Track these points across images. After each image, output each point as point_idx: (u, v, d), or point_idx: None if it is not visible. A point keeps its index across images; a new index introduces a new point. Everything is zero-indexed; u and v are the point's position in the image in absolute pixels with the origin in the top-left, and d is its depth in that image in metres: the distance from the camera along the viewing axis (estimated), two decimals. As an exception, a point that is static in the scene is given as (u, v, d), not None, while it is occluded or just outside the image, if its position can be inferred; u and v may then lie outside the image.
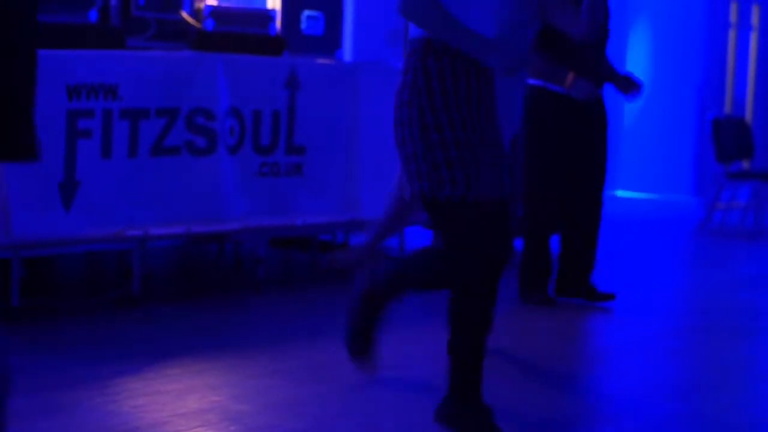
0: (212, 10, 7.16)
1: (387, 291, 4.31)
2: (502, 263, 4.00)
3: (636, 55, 14.03)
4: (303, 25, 7.80)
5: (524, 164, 6.91)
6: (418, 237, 9.15)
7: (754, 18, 14.36)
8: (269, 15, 7.42)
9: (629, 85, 6.69)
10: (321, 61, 7.55)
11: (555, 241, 7.05)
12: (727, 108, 13.59)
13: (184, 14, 7.14)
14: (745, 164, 12.96)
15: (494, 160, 3.99)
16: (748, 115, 13.52)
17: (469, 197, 3.92)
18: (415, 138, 3.97)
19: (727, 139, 11.55)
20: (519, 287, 6.95)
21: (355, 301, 4.38)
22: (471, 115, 3.97)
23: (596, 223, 7.04)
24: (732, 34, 14.02)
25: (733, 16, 14.12)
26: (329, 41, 7.98)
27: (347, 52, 10.13)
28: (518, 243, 6.73)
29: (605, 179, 7.04)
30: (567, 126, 6.85)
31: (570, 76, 6.74)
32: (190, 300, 6.89)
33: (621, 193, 14.03)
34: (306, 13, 7.81)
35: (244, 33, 7.22)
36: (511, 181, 4.10)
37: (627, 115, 13.99)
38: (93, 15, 6.56)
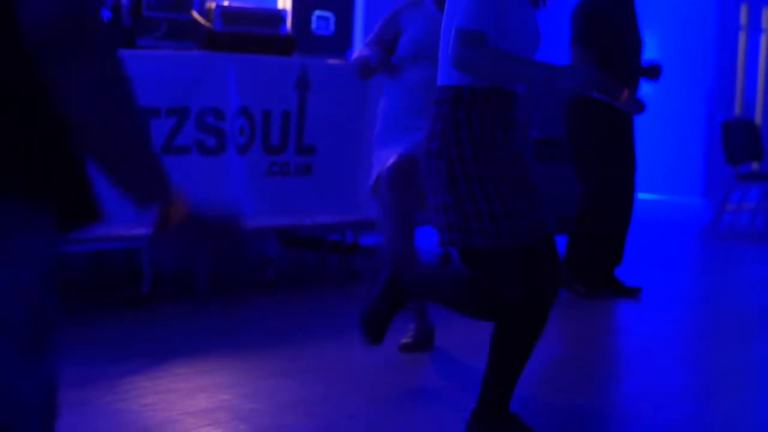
0: (223, 10, 7.16)
1: (419, 293, 4.32)
2: (544, 302, 4.03)
3: (645, 57, 14.01)
4: (314, 26, 7.81)
5: (586, 171, 7.18)
6: (427, 237, 9.16)
7: (765, 20, 14.33)
8: (280, 15, 7.42)
9: (657, 72, 6.94)
10: (331, 61, 7.56)
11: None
12: (737, 110, 13.57)
13: (195, 14, 7.14)
14: (755, 166, 12.94)
15: (524, 206, 3.99)
16: (758, 117, 13.50)
17: (499, 245, 3.93)
18: (444, 189, 3.98)
19: (737, 141, 11.53)
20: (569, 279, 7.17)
21: (385, 288, 4.36)
22: (500, 164, 3.96)
23: (629, 220, 7.28)
24: (742, 37, 14.00)
25: (743, 19, 14.10)
26: (340, 41, 8.00)
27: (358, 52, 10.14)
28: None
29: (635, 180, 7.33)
30: (619, 134, 7.17)
31: (626, 93, 6.75)
32: (198, 299, 6.89)
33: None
34: (317, 13, 7.82)
35: (254, 33, 7.23)
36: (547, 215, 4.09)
37: (637, 116, 13.95)
38: (104, 15, 6.56)
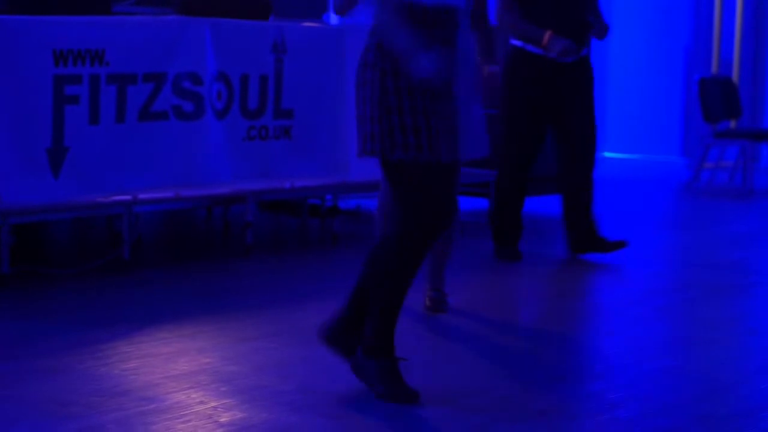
0: (198, -26, 7.14)
1: (390, 299, 4.26)
2: (443, 225, 4.10)
3: (622, 16, 14.01)
4: (289, -11, 7.79)
5: (500, 124, 7.02)
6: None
7: (741, -23, 14.34)
8: (255, -21, 7.40)
9: (603, 30, 6.84)
10: (307, 24, 7.54)
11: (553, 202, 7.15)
12: (714, 68, 13.59)
13: (170, -21, 7.11)
14: (732, 124, 12.98)
15: (448, 128, 4.10)
16: (735, 74, 13.52)
17: (420, 160, 4.02)
18: (374, 100, 4.08)
19: (714, 99, 11.57)
20: (494, 245, 7.18)
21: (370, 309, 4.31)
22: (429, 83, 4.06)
23: (591, 179, 7.17)
24: (718, -6, 14.01)
25: (719, -24, 14.10)
26: (315, 4, 7.99)
27: (334, 15, 10.11)
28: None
29: (596, 137, 7.11)
30: (544, 88, 6.91)
31: (546, 36, 6.74)
32: (179, 264, 6.90)
33: (608, 154, 14.04)
34: (292, -24, 7.80)
35: (230, -3, 7.21)
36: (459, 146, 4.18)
37: (614, 76, 14.00)
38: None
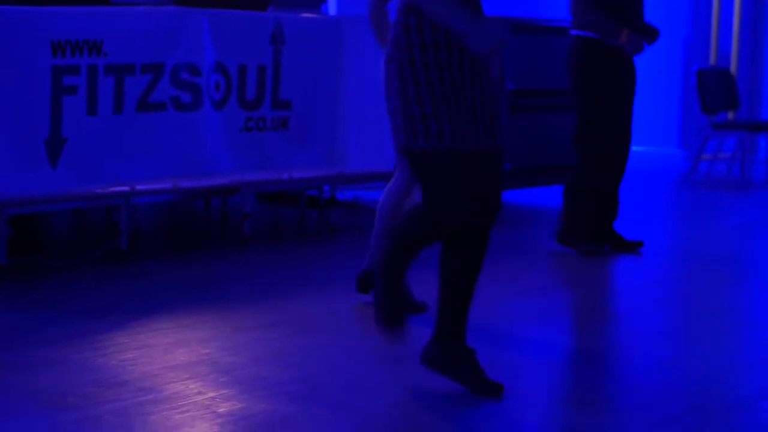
0: (196, -35, 7.14)
1: (395, 258, 4.28)
2: (481, 213, 4.06)
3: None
4: (287, -21, 7.79)
5: (577, 116, 7.07)
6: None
7: (739, -31, 14.33)
8: (253, -31, 7.40)
9: (654, 36, 7.06)
10: (306, 15, 7.54)
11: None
12: (712, 59, 13.58)
13: (168, -31, 7.11)
14: (730, 115, 12.98)
15: (478, 116, 4.07)
16: (733, 66, 13.51)
17: (441, 149, 4.00)
18: (396, 93, 4.09)
19: (712, 90, 11.56)
20: (564, 233, 7.10)
21: (377, 279, 4.31)
22: (450, 71, 4.04)
23: (623, 172, 7.22)
24: (717, -14, 14.00)
25: (717, -33, 14.09)
26: (314, -5, 7.97)
27: (332, 6, 10.12)
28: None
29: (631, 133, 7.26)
30: (619, 80, 7.04)
31: (625, 33, 6.85)
32: (177, 255, 6.91)
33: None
34: (290, -33, 7.80)
35: (228, -12, 7.20)
36: (496, 134, 4.14)
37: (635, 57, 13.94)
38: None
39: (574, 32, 7.02)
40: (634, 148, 14.15)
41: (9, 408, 3.92)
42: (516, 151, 8.51)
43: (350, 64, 7.44)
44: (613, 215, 7.21)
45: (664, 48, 13.83)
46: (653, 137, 14.14)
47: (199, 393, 4.11)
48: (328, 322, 5.29)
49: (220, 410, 3.92)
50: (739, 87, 12.49)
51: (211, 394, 4.09)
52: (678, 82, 13.91)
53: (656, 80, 13.86)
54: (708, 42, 13.70)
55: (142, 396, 4.06)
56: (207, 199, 8.47)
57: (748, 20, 13.69)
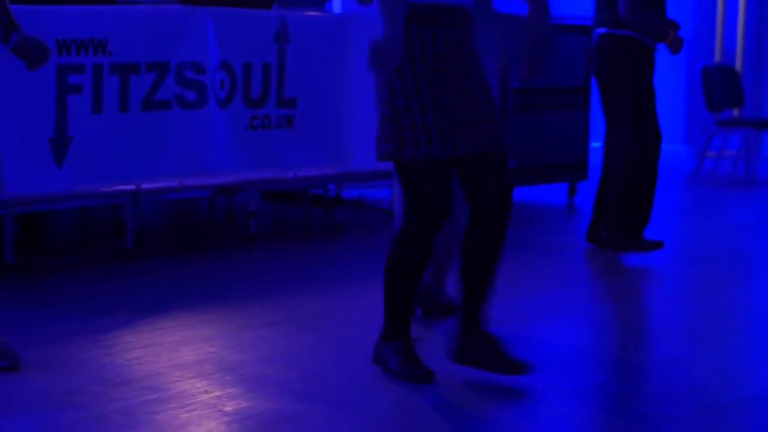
0: (200, -37, 7.14)
1: (398, 306, 4.36)
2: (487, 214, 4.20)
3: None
4: (292, -22, 7.78)
5: (614, 114, 7.03)
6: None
7: (744, -34, 14.31)
8: (258, -32, 7.40)
9: (679, 45, 6.97)
10: (310, 13, 7.54)
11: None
12: (717, 56, 13.57)
13: (173, -32, 7.11)
14: (735, 112, 12.96)
15: (465, 121, 4.14)
16: (738, 63, 13.50)
17: (431, 155, 4.09)
18: (385, 101, 4.17)
19: (717, 87, 11.55)
20: (611, 232, 7.02)
21: (385, 343, 4.41)
22: (431, 75, 4.12)
23: (656, 177, 7.14)
24: (722, -18, 13.99)
25: (722, -36, 14.07)
26: (318, -7, 7.96)
27: (337, 4, 10.12)
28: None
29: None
30: (650, 80, 7.10)
31: (672, 33, 6.85)
32: (183, 254, 6.91)
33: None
34: (294, -35, 7.79)
35: (232, -14, 7.20)
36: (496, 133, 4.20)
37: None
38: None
39: (603, 30, 6.94)
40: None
41: (14, 406, 3.92)
42: (520, 150, 8.51)
43: (355, 62, 7.44)
44: (644, 222, 7.07)
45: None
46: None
47: (206, 392, 4.11)
48: (333, 320, 5.29)
49: (227, 409, 3.92)
50: (744, 84, 12.48)
51: (217, 393, 4.10)
52: (683, 80, 13.89)
53: (661, 77, 13.83)
54: (713, 39, 13.69)
55: (147, 395, 4.06)
56: (212, 197, 8.47)
57: (752, 17, 13.68)
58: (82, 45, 6.14)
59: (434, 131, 4.10)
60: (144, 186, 6.59)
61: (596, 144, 9.93)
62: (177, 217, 8.51)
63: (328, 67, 7.39)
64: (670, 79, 13.84)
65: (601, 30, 6.95)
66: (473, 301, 4.32)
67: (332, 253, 7.15)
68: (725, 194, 10.45)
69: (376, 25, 4.09)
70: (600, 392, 4.26)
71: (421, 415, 3.97)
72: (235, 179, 7.06)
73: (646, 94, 7.05)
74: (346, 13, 9.21)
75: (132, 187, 6.54)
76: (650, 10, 6.85)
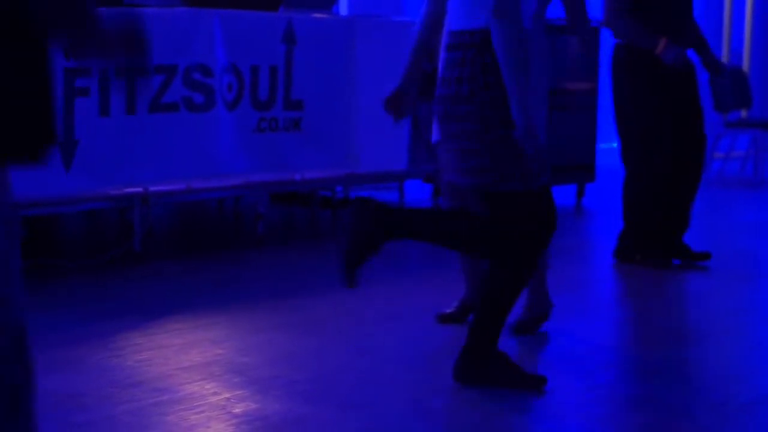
0: (207, -34, 7.14)
1: (405, 230, 4.32)
2: (545, 243, 4.22)
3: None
4: (298, -20, 7.79)
5: (619, 129, 6.81)
6: (417, 191, 9.19)
7: (751, -33, 14.30)
8: (265, -30, 7.40)
9: (718, 70, 6.79)
10: (317, 15, 7.54)
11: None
12: (725, 57, 13.56)
13: (180, -29, 7.11)
14: (743, 114, 12.95)
15: (541, 148, 4.10)
16: (746, 64, 13.50)
17: (532, 187, 4.09)
18: (475, 133, 4.08)
19: (725, 89, 11.54)
20: (629, 248, 6.83)
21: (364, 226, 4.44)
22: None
23: (696, 181, 6.88)
24: (729, -17, 13.98)
25: (729, -35, 14.07)
26: (325, -5, 7.97)
27: (343, 6, 10.12)
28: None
29: (705, 142, 6.92)
30: (663, 91, 6.64)
31: (661, 44, 6.46)
32: (190, 256, 6.91)
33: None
34: (302, -33, 7.80)
35: (240, -12, 7.20)
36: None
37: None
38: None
39: (614, 40, 6.70)
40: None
41: (24, 409, 3.92)
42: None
43: (362, 64, 7.44)
44: (681, 228, 6.86)
45: (676, 46, 13.77)
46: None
47: (214, 393, 4.11)
48: (341, 322, 5.29)
49: (235, 411, 3.92)
50: (752, 85, 12.47)
51: (226, 395, 4.09)
52: (690, 81, 13.86)
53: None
54: (720, 40, 13.68)
55: (157, 396, 4.06)
56: (220, 199, 8.48)
57: (760, 19, 13.66)
58: (90, 48, 6.13)
59: (534, 162, 4.09)
60: (152, 188, 6.60)
61: (604, 145, 9.93)
62: (185, 220, 8.52)
63: (336, 69, 7.39)
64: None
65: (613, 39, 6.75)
66: (491, 321, 4.26)
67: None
68: (733, 195, 10.44)
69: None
70: (610, 392, 4.26)
71: (430, 417, 3.97)
72: (243, 181, 7.06)
73: (655, 109, 6.61)
74: (353, 15, 9.21)
75: (140, 189, 6.54)
76: (633, 15, 6.49)
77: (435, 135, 4.86)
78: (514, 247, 4.15)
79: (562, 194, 9.22)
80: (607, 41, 7.11)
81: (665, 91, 6.62)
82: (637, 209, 6.77)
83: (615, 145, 7.31)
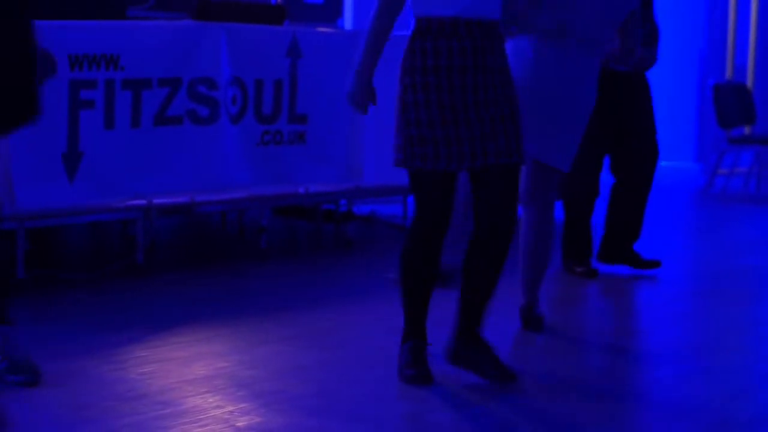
0: (213, -21, 7.15)
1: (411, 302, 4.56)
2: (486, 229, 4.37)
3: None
4: (303, -6, 7.80)
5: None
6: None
7: (755, -17, 14.31)
8: (270, -16, 7.41)
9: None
10: (322, 29, 7.55)
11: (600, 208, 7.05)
12: (729, 73, 13.57)
13: (185, -16, 7.12)
14: (747, 129, 12.95)
15: (479, 135, 4.25)
16: (749, 80, 13.50)
17: (437, 168, 4.27)
18: (399, 113, 4.37)
19: (729, 104, 11.54)
20: (562, 257, 6.91)
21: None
22: (432, 90, 4.26)
23: (646, 191, 6.94)
24: (732, 0, 14.00)
25: (733, -18, 14.08)
26: (330, 9, 7.98)
27: (348, 20, 10.13)
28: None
29: (657, 148, 6.91)
30: (606, 98, 6.46)
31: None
32: (194, 269, 6.91)
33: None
34: (306, -19, 7.81)
35: (245, 2, 7.21)
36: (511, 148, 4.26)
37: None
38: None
39: None
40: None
41: (27, 421, 3.91)
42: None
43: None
44: (632, 236, 6.98)
45: (680, 62, 13.83)
46: (669, 151, 14.11)
47: (218, 407, 4.10)
48: (345, 335, 5.28)
49: (239, 424, 3.91)
50: (756, 101, 12.47)
51: (230, 408, 4.08)
52: (694, 97, 13.90)
53: (672, 94, 13.84)
54: (724, 56, 13.69)
55: (160, 409, 4.05)
56: (223, 212, 8.47)
57: (764, 35, 13.67)
58: (95, 60, 6.14)
59: (441, 145, 4.24)
60: (155, 201, 6.59)
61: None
62: (188, 232, 8.51)
63: (340, 83, 7.36)
64: (681, 96, 13.85)
65: None
66: (472, 306, 4.47)
67: (343, 268, 7.14)
68: (736, 211, 10.43)
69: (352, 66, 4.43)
70: (613, 409, 4.24)
71: (435, 430, 3.96)
72: (247, 194, 7.06)
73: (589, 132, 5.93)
74: (357, 29, 9.22)
75: (143, 202, 6.54)
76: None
77: None
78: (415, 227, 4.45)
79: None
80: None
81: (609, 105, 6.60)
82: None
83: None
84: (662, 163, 13.85)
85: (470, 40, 4.23)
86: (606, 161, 6.99)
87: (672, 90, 13.91)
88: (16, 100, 2.37)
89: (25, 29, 2.40)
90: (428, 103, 4.24)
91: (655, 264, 7.00)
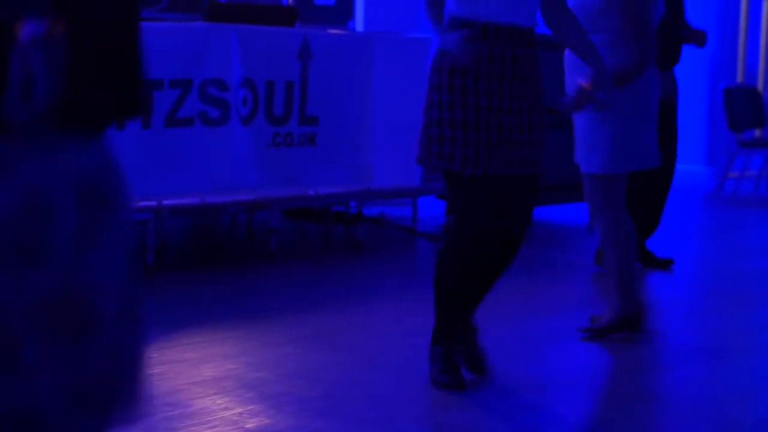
0: (224, -19, 7.17)
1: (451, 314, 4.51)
2: (494, 235, 4.29)
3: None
4: (315, -4, 7.81)
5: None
6: (431, 207, 9.18)
7: (767, -13, 14.29)
8: (281, -14, 7.42)
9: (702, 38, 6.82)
10: (333, 31, 7.55)
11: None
12: (739, 77, 13.54)
13: (196, -15, 7.13)
14: (757, 133, 12.93)
15: (506, 141, 4.23)
16: (760, 84, 13.47)
17: (476, 173, 4.19)
18: (425, 111, 4.29)
19: (739, 108, 11.53)
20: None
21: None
22: (470, 94, 4.19)
23: (664, 191, 7.08)
24: (744, 3, 13.97)
25: (745, -15, 14.06)
26: (341, 11, 7.99)
27: (359, 22, 10.13)
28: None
29: (676, 148, 7.03)
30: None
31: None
32: (204, 270, 6.91)
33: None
34: (318, -17, 7.82)
35: (256, 3, 7.22)
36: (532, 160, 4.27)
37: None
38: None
39: None
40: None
41: (37, 422, 3.92)
42: (544, 168, 8.48)
43: (377, 80, 7.44)
44: (644, 232, 7.00)
45: (691, 65, 13.78)
46: (680, 154, 14.08)
47: (227, 408, 4.11)
48: (354, 337, 5.28)
49: (248, 426, 3.91)
50: (766, 105, 12.45)
51: (239, 410, 4.09)
52: (705, 100, 13.87)
53: (683, 98, 13.81)
54: (735, 60, 13.67)
55: (168, 411, 4.06)
56: (233, 214, 8.48)
57: (775, 38, 13.65)
58: (106, 61, 6.14)
59: (459, 146, 4.19)
60: (165, 203, 6.60)
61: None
62: (198, 234, 8.52)
63: (351, 85, 7.39)
64: (692, 99, 13.83)
65: None
66: (451, 305, 4.47)
67: (353, 270, 7.14)
68: (747, 214, 10.42)
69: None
70: (622, 411, 4.24)
71: (442, 434, 3.96)
72: (257, 196, 7.06)
73: None
74: (369, 31, 9.22)
75: (154, 203, 6.54)
76: None
77: None
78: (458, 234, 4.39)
79: (574, 213, 9.21)
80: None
81: None
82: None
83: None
84: (673, 167, 13.86)
85: (509, 47, 4.20)
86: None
87: (683, 93, 13.87)
88: (129, 94, 2.45)
89: (137, 24, 2.49)
90: (452, 105, 4.21)
91: (668, 263, 7.03)
